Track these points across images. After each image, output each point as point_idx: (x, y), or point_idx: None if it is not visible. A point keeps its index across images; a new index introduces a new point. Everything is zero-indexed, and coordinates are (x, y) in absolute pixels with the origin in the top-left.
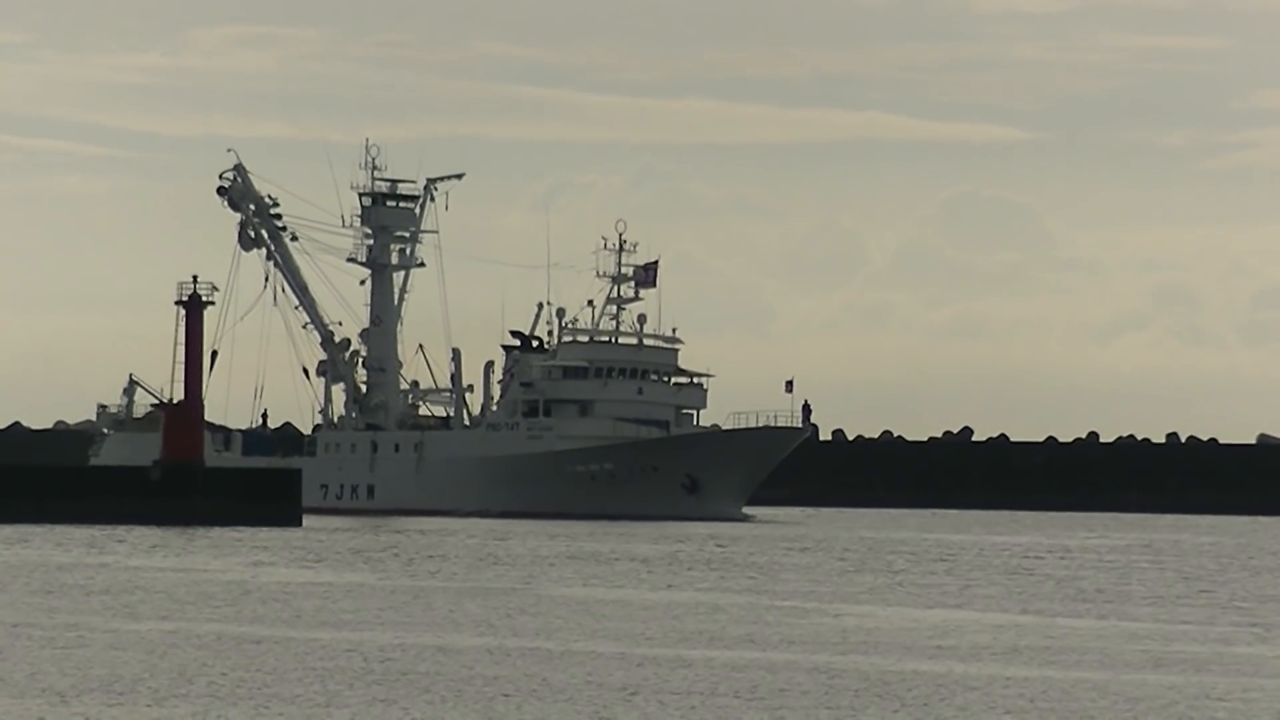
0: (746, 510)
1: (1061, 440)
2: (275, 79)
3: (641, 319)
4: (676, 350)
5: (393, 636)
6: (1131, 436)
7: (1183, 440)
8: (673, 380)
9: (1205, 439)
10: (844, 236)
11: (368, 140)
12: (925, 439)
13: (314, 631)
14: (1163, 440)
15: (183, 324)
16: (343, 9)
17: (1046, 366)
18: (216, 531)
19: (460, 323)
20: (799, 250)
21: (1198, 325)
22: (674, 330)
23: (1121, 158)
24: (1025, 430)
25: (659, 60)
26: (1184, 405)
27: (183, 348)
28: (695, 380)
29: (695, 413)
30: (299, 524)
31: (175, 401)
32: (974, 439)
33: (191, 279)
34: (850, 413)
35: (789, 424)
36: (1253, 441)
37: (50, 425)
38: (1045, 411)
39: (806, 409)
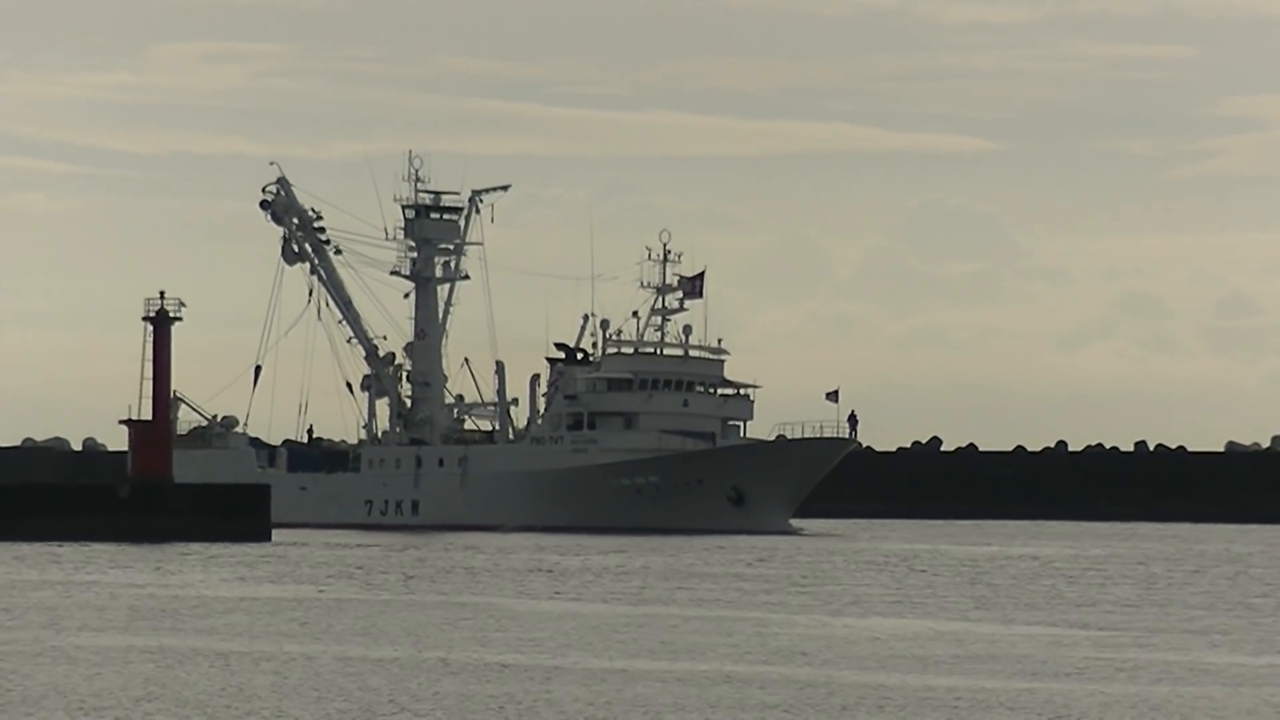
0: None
1: (1030, 449)
2: (242, 95)
3: (687, 330)
4: (722, 361)
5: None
6: (1100, 445)
7: (1151, 449)
8: (719, 392)
9: (1174, 447)
10: (809, 247)
11: (410, 152)
12: (894, 449)
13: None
14: (1131, 449)
15: (150, 340)
16: (308, 25)
17: (1014, 375)
18: (181, 548)
19: (505, 336)
20: (765, 262)
21: (1163, 333)
22: (719, 341)
23: (1086, 166)
24: (994, 440)
25: (624, 73)
26: (1152, 413)
27: (150, 364)
28: (742, 391)
29: (742, 424)
30: (268, 539)
31: (143, 418)
32: (943, 449)
33: (159, 295)
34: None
35: (835, 434)
36: (1221, 449)
37: (18, 442)
38: (1014, 421)
39: (853, 419)
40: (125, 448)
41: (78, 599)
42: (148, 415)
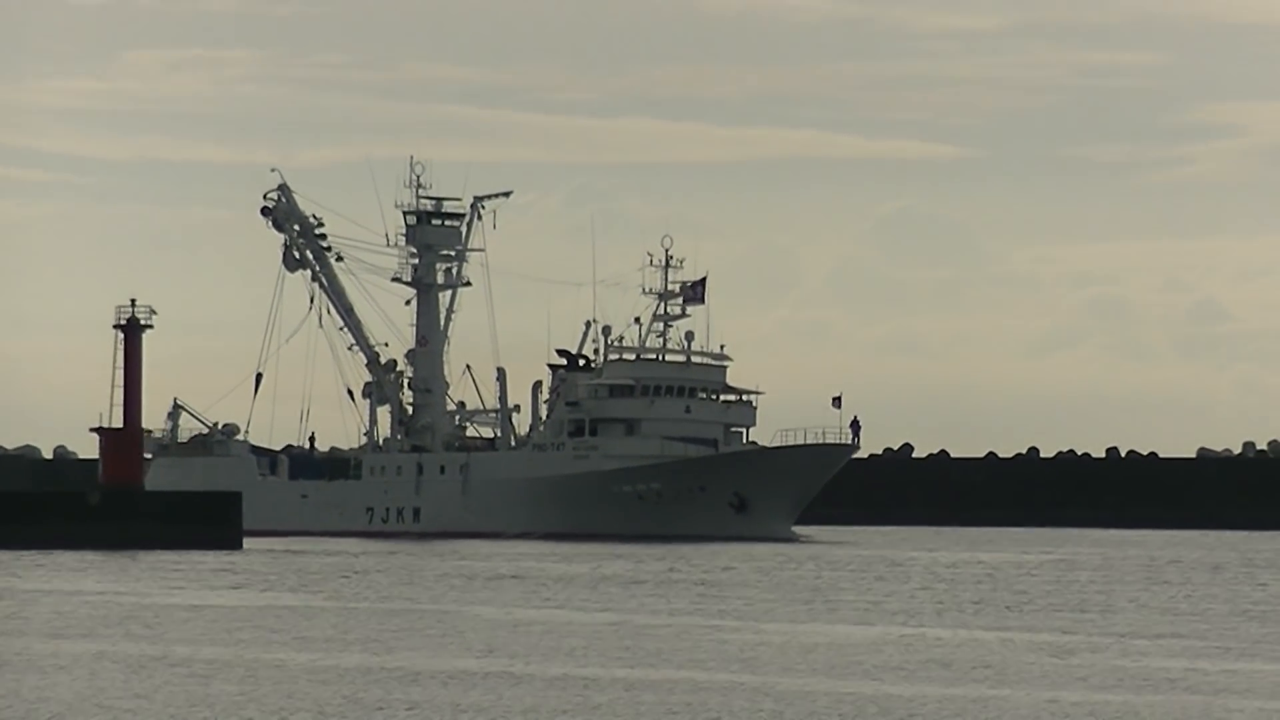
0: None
1: (1002, 456)
2: (210, 102)
3: (689, 336)
4: (725, 367)
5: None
6: (1072, 452)
7: (1123, 455)
8: (721, 398)
9: (1145, 453)
10: (780, 254)
11: (412, 158)
12: (866, 455)
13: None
14: (1103, 455)
15: (121, 348)
16: (275, 31)
17: (985, 382)
18: (149, 555)
19: (507, 342)
20: (735, 269)
21: (1134, 340)
22: (722, 347)
23: (1057, 173)
24: (965, 446)
25: (596, 80)
26: (1123, 420)
27: (121, 371)
28: (744, 398)
29: (744, 431)
30: (239, 547)
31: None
32: (914, 455)
33: (130, 302)
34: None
35: (838, 440)
36: (1193, 455)
37: None
38: (985, 427)
39: (855, 425)
40: (96, 455)
41: (33, 606)
42: (119, 423)
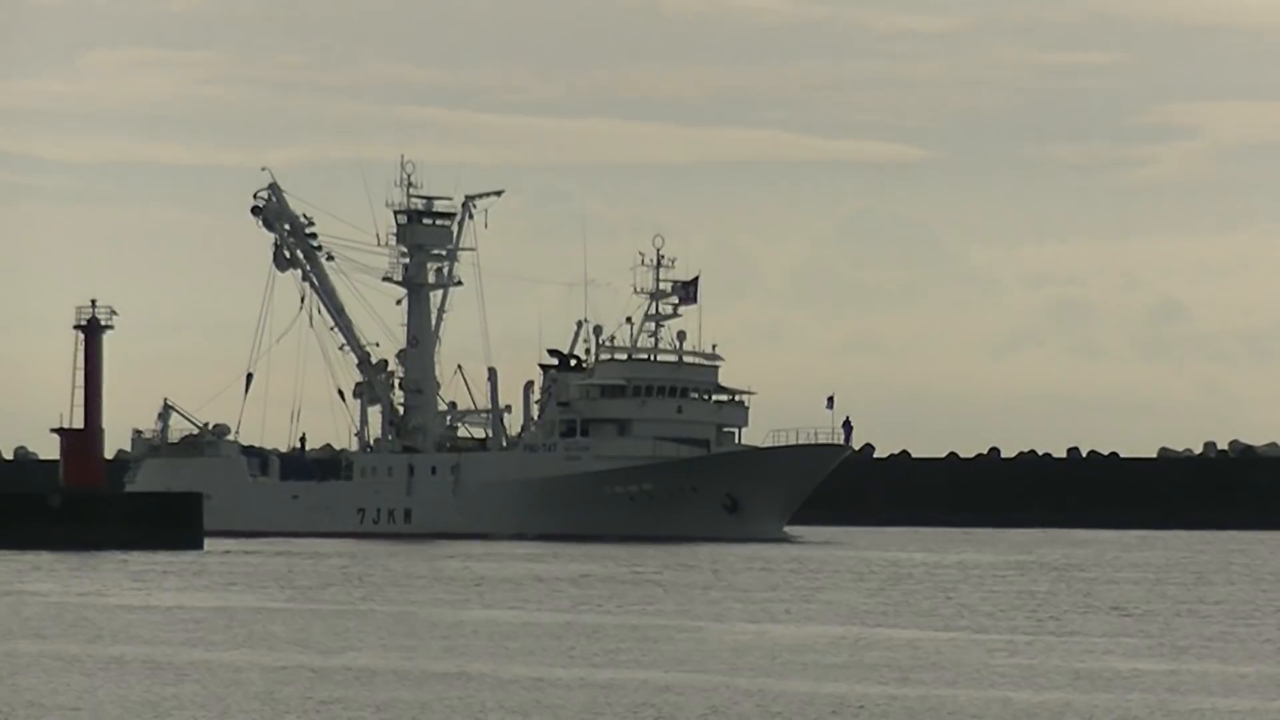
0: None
1: (963, 456)
2: (174, 102)
3: (681, 336)
4: (717, 367)
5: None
6: (1033, 452)
7: (1084, 455)
8: (713, 398)
9: (1106, 454)
10: (740, 255)
11: (403, 157)
12: None
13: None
14: (1064, 455)
15: (81, 349)
16: (237, 32)
17: (946, 383)
18: (105, 556)
19: (499, 342)
20: (696, 268)
21: (1094, 340)
22: (714, 347)
23: (1017, 173)
24: (926, 447)
25: (558, 80)
26: (1084, 420)
27: (81, 373)
28: (736, 398)
29: (737, 431)
30: (200, 548)
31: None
32: (875, 456)
33: (90, 303)
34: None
35: (830, 441)
36: (1154, 456)
37: None
38: (946, 428)
39: (848, 425)
40: (57, 456)
41: None
42: (80, 424)
